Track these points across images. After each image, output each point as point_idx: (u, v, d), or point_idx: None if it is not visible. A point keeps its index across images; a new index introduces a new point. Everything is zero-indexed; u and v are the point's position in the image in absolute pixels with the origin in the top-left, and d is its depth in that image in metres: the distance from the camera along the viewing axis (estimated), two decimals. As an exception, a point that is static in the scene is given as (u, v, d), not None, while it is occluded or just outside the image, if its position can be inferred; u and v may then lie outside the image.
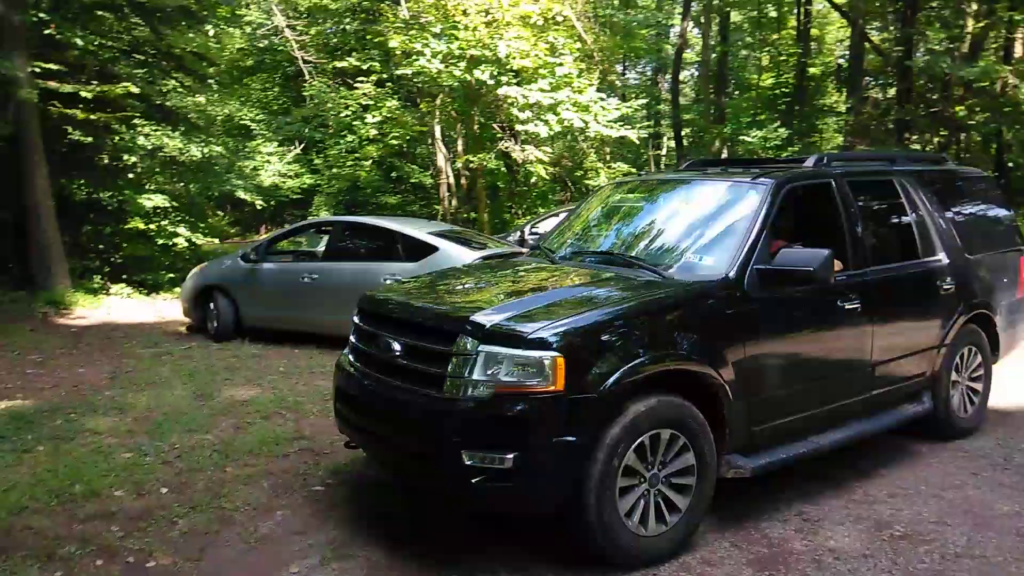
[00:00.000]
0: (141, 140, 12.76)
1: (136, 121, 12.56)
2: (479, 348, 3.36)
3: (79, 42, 10.83)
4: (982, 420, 5.31)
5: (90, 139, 11.40)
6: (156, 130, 12.96)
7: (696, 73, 27.11)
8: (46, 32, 10.74)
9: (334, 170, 18.79)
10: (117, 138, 12.33)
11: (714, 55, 23.49)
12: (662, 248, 4.33)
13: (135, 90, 11.38)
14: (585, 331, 3.37)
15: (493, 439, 3.26)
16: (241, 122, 20.51)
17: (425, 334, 3.64)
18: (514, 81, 14.06)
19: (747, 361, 3.77)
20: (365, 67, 16.76)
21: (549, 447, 3.23)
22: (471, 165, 16.07)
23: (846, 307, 4.27)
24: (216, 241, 17.05)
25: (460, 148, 17.99)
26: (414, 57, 13.63)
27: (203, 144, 14.11)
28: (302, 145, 21.03)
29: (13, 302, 10.19)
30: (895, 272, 4.70)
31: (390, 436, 3.72)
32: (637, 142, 16.60)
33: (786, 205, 4.38)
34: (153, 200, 12.47)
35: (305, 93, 19.33)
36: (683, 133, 23.67)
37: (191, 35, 15.06)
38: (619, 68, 26.29)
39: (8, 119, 10.10)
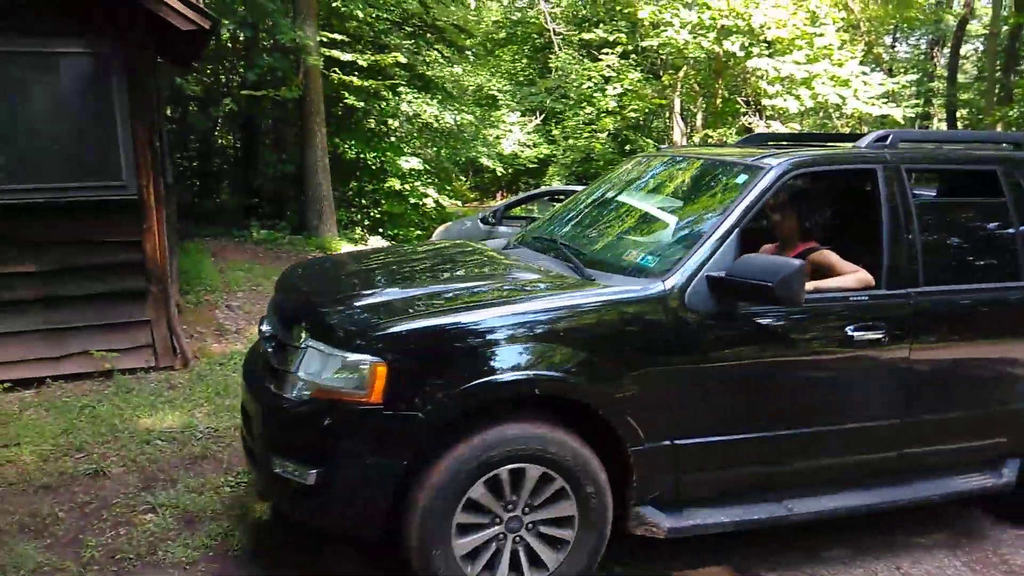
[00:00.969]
0: (404, 107, 13.89)
1: (400, 89, 13.68)
2: (306, 342, 2.93)
3: (359, 14, 11.98)
4: None
5: (362, 104, 12.61)
6: (417, 98, 14.04)
7: (980, 47, 24.02)
8: (333, 4, 12.01)
9: (570, 141, 19.21)
10: (384, 104, 13.53)
11: (1006, 27, 20.61)
12: (615, 242, 3.65)
13: (403, 60, 12.44)
14: (423, 336, 2.80)
15: (300, 449, 2.85)
16: (489, 92, 21.57)
17: (283, 321, 3.24)
18: (766, 53, 13.42)
19: (679, 394, 3.02)
20: (611, 39, 16.84)
21: (358, 467, 2.77)
22: (709, 140, 15.63)
23: (860, 338, 3.24)
24: (458, 204, 18.23)
25: (699, 122, 17.56)
26: (662, 28, 13.49)
27: (456, 112, 15.06)
28: (542, 116, 21.71)
29: (291, 244, 11.69)
30: (963, 297, 3.50)
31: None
32: (902, 122, 15.13)
33: (803, 196, 3.71)
34: (409, 163, 13.58)
35: (551, 64, 19.85)
36: (958, 114, 21.16)
37: (452, 8, 16.10)
38: (888, 40, 24.02)
39: (298, 83, 11.47)
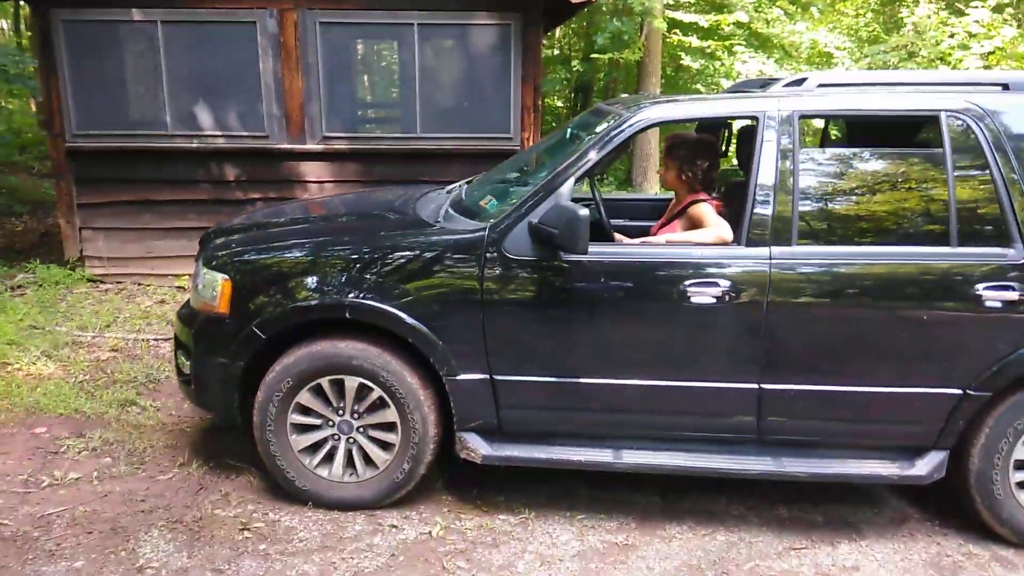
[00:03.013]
0: (738, 67, 13.84)
1: (737, 48, 13.63)
2: (199, 264, 3.53)
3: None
4: None
5: (697, 65, 12.84)
6: (753, 56, 13.88)
7: None
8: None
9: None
10: (719, 64, 13.61)
11: None
12: (491, 189, 3.75)
13: (744, 19, 12.40)
14: (262, 260, 3.34)
15: (184, 346, 3.55)
16: (823, 50, 20.34)
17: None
18: None
19: (495, 333, 3.16)
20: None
21: (210, 364, 3.37)
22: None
23: (696, 294, 3.06)
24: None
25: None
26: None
27: (792, 71, 14.61)
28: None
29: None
30: (857, 260, 3.06)
31: None
32: None
33: (680, 147, 3.63)
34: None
35: (905, 19, 18.13)
36: None
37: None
38: None
39: (641, 45, 12.03)
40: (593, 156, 3.19)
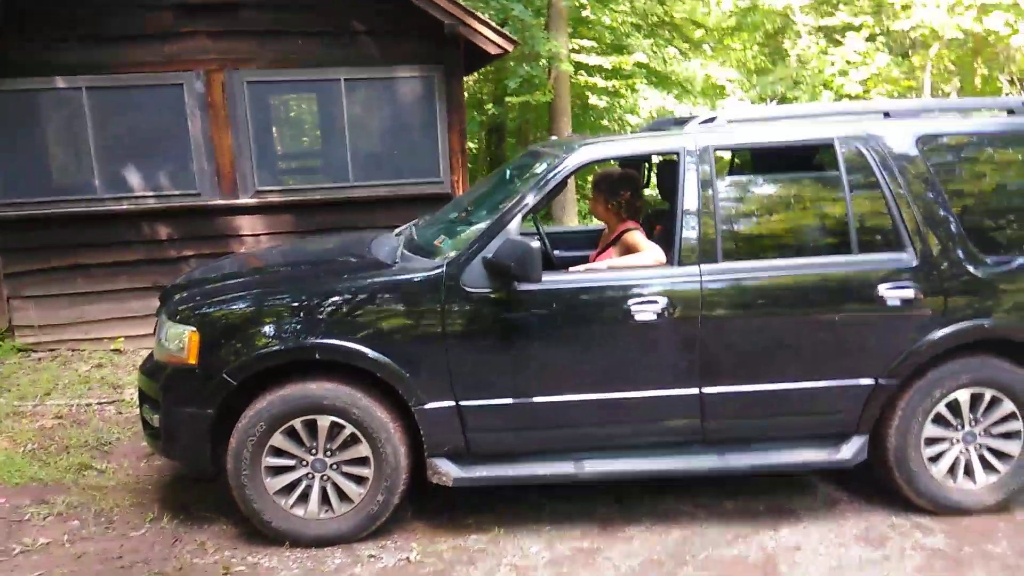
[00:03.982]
0: (641, 102, 14.66)
1: (638, 86, 14.46)
2: (161, 316, 3.68)
3: (607, 20, 12.91)
4: (1010, 498, 3.75)
5: (604, 102, 13.55)
6: (653, 93, 14.74)
7: None
8: (582, 14, 13.05)
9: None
10: (622, 102, 14.39)
11: None
12: (441, 229, 3.98)
13: (643, 59, 13.22)
14: (228, 310, 3.46)
15: (150, 399, 3.63)
16: (715, 83, 21.64)
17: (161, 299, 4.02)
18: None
19: (458, 362, 3.37)
20: (856, 22, 16.34)
21: (180, 414, 3.46)
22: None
23: (638, 311, 3.39)
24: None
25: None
26: (911, 9, 13.02)
27: (692, 105, 15.54)
28: (775, 102, 21.37)
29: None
30: (774, 272, 3.47)
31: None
32: None
33: (608, 182, 3.92)
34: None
35: (788, 51, 19.53)
36: None
37: (685, 3, 16.51)
38: None
39: (550, 88, 12.64)
40: (536, 195, 3.49)
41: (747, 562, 3.44)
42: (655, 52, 14.38)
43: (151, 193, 6.55)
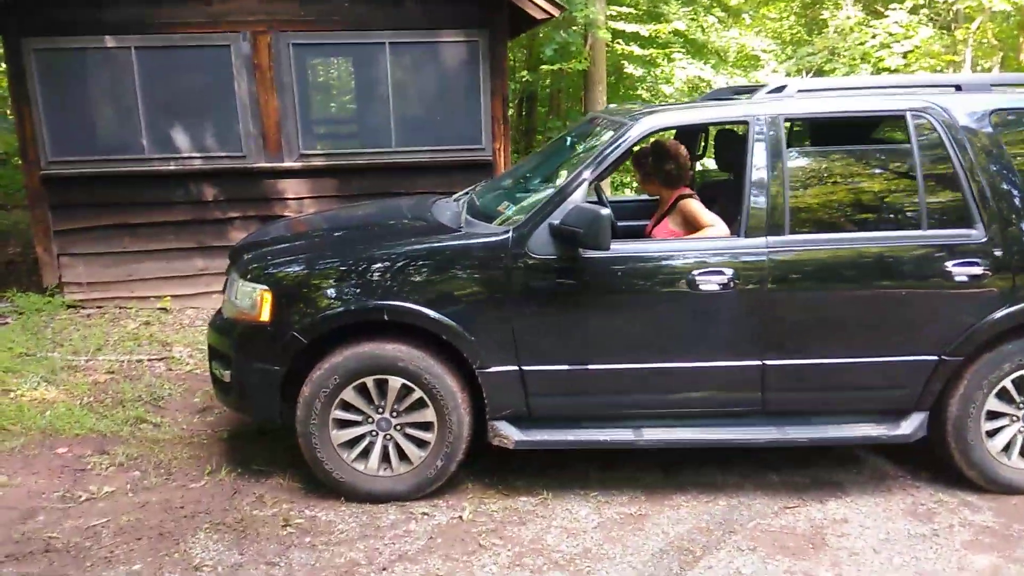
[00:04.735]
0: (679, 72, 14.44)
1: (676, 55, 14.23)
2: (232, 275, 3.73)
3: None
4: None
5: (640, 72, 13.38)
6: (691, 63, 14.51)
7: None
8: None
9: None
10: (660, 71, 14.19)
11: None
12: (505, 195, 3.97)
13: (682, 27, 13.00)
14: (301, 270, 3.53)
15: (222, 355, 3.72)
16: (751, 53, 21.27)
17: (230, 258, 4.07)
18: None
19: (523, 326, 3.41)
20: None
21: (252, 370, 3.56)
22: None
23: (703, 282, 3.40)
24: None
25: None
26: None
27: (727, 75, 15.30)
28: (810, 75, 20.99)
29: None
30: (841, 245, 3.46)
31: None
32: None
33: (664, 150, 3.86)
34: (681, 126, 14.12)
35: (829, 21, 19.13)
36: None
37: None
38: None
39: (586, 55, 12.48)
40: (602, 163, 3.50)
41: (795, 533, 3.48)
42: (694, 20, 14.13)
43: (197, 154, 6.62)
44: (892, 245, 3.49)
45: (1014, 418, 3.68)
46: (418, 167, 6.84)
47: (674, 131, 4.46)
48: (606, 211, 3.23)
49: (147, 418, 4.66)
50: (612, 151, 3.51)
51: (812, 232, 3.51)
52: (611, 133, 3.64)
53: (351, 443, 3.60)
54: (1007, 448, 3.69)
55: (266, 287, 3.49)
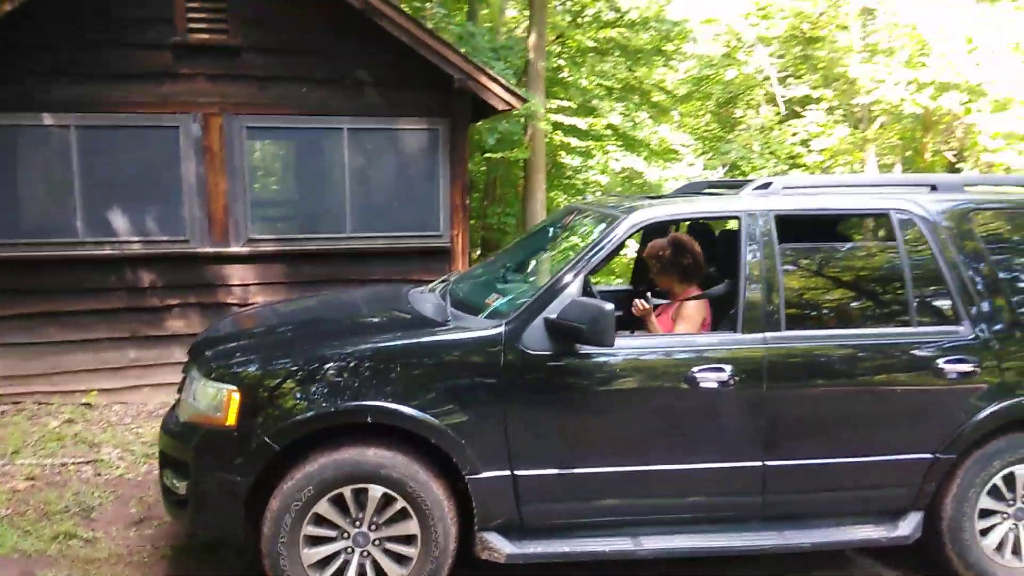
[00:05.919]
0: (612, 164, 14.87)
1: (609, 148, 14.68)
2: (192, 373, 3.39)
3: (584, 83, 13.13)
4: None
5: (576, 162, 13.69)
6: (624, 155, 14.98)
7: None
8: (559, 76, 13.25)
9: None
10: (596, 161, 14.57)
11: None
12: (489, 287, 3.83)
13: (616, 121, 13.45)
14: (273, 369, 3.18)
15: (177, 464, 3.32)
16: (669, 147, 22.28)
17: (188, 355, 3.69)
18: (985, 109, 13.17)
19: (516, 427, 3.19)
20: (816, 95, 17.07)
21: (214, 480, 3.17)
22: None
23: (703, 379, 3.28)
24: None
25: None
26: (873, 87, 13.61)
27: (660, 167, 15.85)
28: (726, 169, 22.07)
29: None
30: (833, 343, 3.42)
31: None
32: None
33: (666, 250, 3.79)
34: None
35: (747, 120, 20.26)
36: None
37: (645, 69, 17.00)
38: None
39: (527, 145, 12.70)
40: (595, 255, 3.39)
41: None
42: (626, 114, 14.67)
43: (136, 238, 6.21)
44: (885, 342, 3.47)
45: (1005, 515, 3.63)
46: (373, 253, 6.62)
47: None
48: (609, 306, 3.07)
49: (77, 533, 4.12)
50: (605, 243, 3.41)
51: (809, 328, 3.47)
52: (603, 225, 3.55)
53: (323, 562, 3.22)
54: (1000, 547, 3.63)
55: (233, 387, 3.15)
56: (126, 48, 6.06)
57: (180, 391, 3.61)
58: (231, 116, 6.25)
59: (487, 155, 12.84)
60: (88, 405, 6.23)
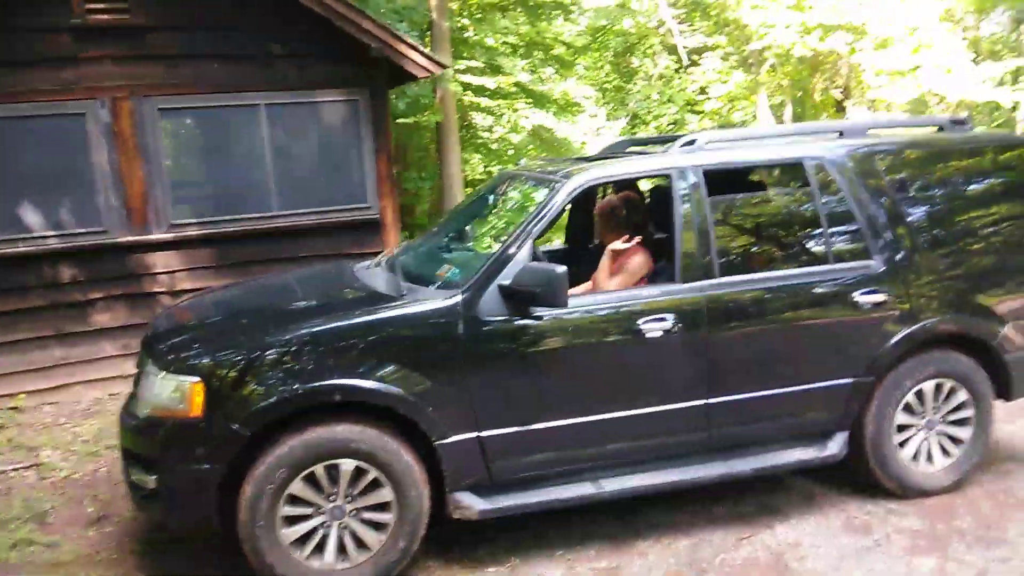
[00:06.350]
0: (522, 122, 14.98)
1: (519, 106, 14.77)
2: (147, 367, 3.39)
3: (489, 42, 13.09)
4: (963, 478, 4.14)
5: (490, 122, 13.73)
6: (534, 112, 15.10)
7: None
8: (464, 35, 13.16)
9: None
10: (506, 121, 14.65)
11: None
12: (439, 259, 3.96)
13: (525, 79, 13.52)
14: (235, 355, 3.20)
15: (143, 460, 3.32)
16: (571, 100, 22.51)
17: (141, 348, 3.68)
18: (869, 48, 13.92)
19: (480, 392, 3.35)
20: (710, 43, 17.56)
21: (185, 472, 3.19)
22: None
23: (649, 329, 3.52)
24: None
25: (787, 116, 18.02)
26: (764, 32, 14.15)
27: (567, 122, 16.06)
28: (629, 118, 22.52)
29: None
30: (763, 285, 3.70)
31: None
32: (1009, 106, 15.31)
33: (611, 206, 4.04)
34: (531, 172, 14.65)
35: (647, 70, 20.62)
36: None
37: (556, 24, 17.08)
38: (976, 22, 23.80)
39: (438, 108, 12.64)
40: (544, 219, 3.54)
41: (760, 563, 3.63)
42: (534, 72, 14.76)
43: (52, 232, 5.95)
44: (808, 281, 3.80)
45: (918, 427, 4.07)
46: (302, 230, 6.57)
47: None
48: (561, 269, 3.23)
49: (35, 539, 4.05)
50: (549, 209, 3.56)
51: (740, 274, 3.75)
52: (544, 191, 3.71)
53: (303, 539, 3.31)
54: (915, 456, 4.08)
55: (195, 378, 3.16)
56: (20, 33, 5.72)
57: (136, 385, 3.58)
58: (141, 99, 6.02)
59: (398, 120, 12.68)
60: (16, 409, 6.00)
